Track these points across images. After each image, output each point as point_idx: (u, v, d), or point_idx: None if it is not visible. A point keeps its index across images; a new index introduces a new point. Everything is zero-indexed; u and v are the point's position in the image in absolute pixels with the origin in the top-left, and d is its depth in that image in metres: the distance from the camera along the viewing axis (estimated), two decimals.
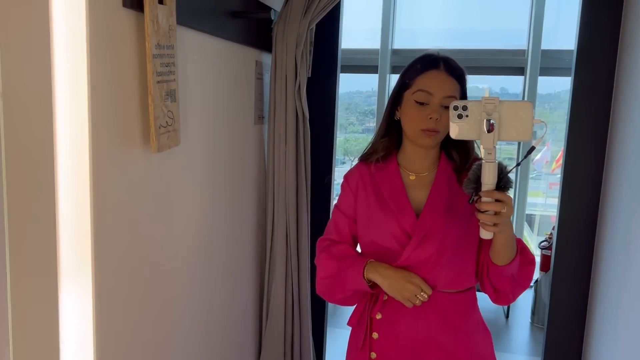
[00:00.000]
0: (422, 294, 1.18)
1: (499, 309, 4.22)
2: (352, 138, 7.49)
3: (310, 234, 2.04)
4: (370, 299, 1.31)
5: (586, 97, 1.98)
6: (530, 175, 5.99)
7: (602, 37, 1.93)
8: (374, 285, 1.24)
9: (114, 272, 1.15)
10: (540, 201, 10.28)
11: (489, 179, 1.09)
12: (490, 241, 1.19)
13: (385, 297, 1.28)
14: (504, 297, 1.31)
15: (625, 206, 1.72)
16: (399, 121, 1.30)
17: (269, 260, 2.02)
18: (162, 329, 1.38)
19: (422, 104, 1.23)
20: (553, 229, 3.98)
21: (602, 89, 1.96)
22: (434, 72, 1.24)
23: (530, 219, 8.28)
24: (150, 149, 1.24)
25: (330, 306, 2.56)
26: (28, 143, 0.79)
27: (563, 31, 5.05)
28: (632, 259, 1.61)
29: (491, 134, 1.08)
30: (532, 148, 1.18)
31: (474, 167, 1.14)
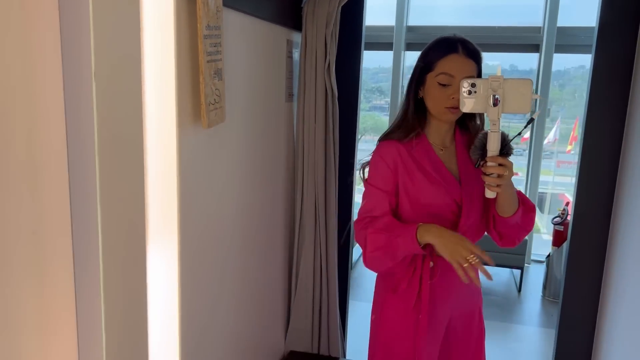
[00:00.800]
0: (472, 257, 1.25)
1: (511, 283, 4.33)
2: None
3: (337, 207, 2.13)
4: (418, 265, 1.40)
5: (606, 73, 2.03)
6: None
7: (624, 13, 1.97)
8: (424, 247, 1.33)
9: (192, 234, 1.33)
10: (549, 179, 10.32)
11: (493, 146, 1.28)
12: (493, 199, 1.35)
13: (432, 264, 1.39)
14: (510, 241, 1.47)
15: None
16: (421, 99, 1.41)
17: (299, 230, 2.11)
18: (223, 285, 1.49)
19: (444, 85, 1.35)
20: (566, 204, 4.06)
21: (622, 65, 2.01)
22: (454, 55, 1.34)
23: (541, 198, 8.29)
24: (201, 125, 1.32)
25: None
26: (119, 119, 0.87)
27: (579, 8, 5.04)
28: None
29: (496, 107, 1.26)
30: (532, 119, 1.36)
31: (480, 136, 1.33)
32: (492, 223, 1.44)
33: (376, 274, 1.56)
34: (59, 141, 0.84)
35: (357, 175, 1.54)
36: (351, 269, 2.49)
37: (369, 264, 1.41)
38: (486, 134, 1.30)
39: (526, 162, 5.11)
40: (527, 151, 5.12)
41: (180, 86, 1.23)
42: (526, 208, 1.40)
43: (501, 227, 1.41)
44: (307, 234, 2.10)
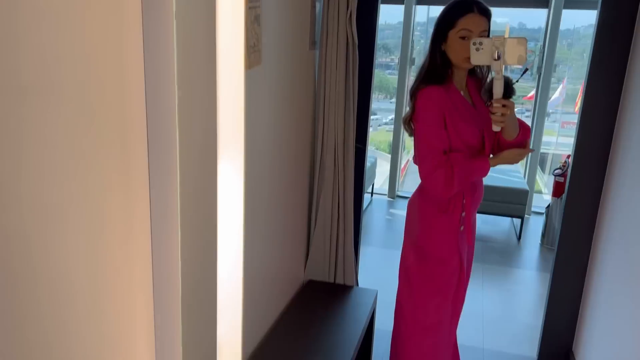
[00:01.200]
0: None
1: (511, 231, 4.55)
2: None
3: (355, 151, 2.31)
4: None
5: (609, 31, 2.16)
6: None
7: None
8: None
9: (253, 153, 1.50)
10: (553, 140, 10.42)
11: (497, 91, 1.62)
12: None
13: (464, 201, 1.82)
14: None
15: (638, 135, 1.95)
16: (443, 52, 1.74)
17: (319, 169, 2.30)
18: (259, 214, 1.68)
19: (464, 38, 1.68)
20: (568, 157, 4.22)
21: (624, 24, 2.14)
22: (470, 15, 1.68)
23: (543, 158, 8.44)
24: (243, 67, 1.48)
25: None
26: (196, 54, 1.04)
27: None
28: (638, 185, 1.87)
29: (499, 60, 1.59)
30: (526, 69, 1.81)
31: (488, 82, 1.76)
32: (497, 146, 1.84)
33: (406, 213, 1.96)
34: (137, 68, 1.01)
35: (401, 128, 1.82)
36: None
37: (447, 192, 1.73)
38: (492, 80, 1.65)
39: (530, 122, 5.25)
40: (532, 111, 5.24)
41: (224, 32, 1.39)
42: (524, 130, 1.79)
43: (505, 147, 1.80)
44: (327, 173, 2.29)
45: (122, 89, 0.98)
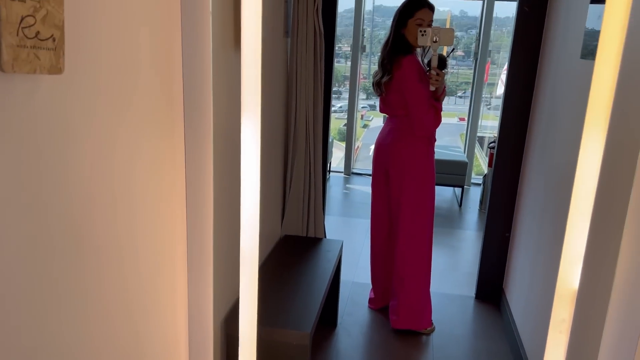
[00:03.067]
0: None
1: (453, 200, 5.13)
2: None
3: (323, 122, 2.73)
4: None
5: (524, 21, 2.67)
6: (487, 105, 6.68)
7: None
8: None
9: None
10: (490, 124, 11.24)
11: (434, 63, 2.43)
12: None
13: None
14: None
15: (549, 110, 2.47)
16: (402, 35, 2.52)
17: (293, 139, 2.71)
18: None
19: (419, 25, 2.44)
20: None
21: (538, 14, 2.65)
22: (423, 9, 2.50)
23: (480, 140, 9.18)
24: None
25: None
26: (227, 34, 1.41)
27: None
28: (547, 152, 2.38)
29: (436, 43, 2.39)
30: (454, 49, 2.86)
31: (429, 57, 2.52)
32: None
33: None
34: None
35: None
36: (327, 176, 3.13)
37: (438, 123, 2.60)
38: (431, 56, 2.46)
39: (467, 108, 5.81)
40: (469, 97, 5.81)
41: (221, 14, 1.76)
42: (443, 91, 2.58)
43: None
44: (299, 144, 2.70)
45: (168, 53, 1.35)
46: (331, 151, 5.88)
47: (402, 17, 2.52)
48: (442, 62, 2.47)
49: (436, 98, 2.54)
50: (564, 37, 2.24)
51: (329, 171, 5.92)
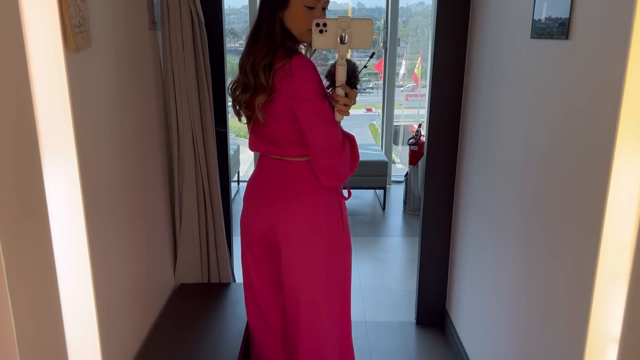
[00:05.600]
0: None
1: (376, 203, 4.72)
2: None
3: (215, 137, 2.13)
4: None
5: (448, 9, 2.24)
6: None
7: None
8: None
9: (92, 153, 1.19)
10: (399, 112, 11.17)
11: (340, 77, 1.41)
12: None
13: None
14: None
15: (484, 101, 2.06)
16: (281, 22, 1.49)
17: (178, 162, 2.09)
18: (107, 220, 1.43)
19: (311, 8, 1.46)
20: (419, 125, 4.46)
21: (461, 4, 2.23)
22: None
23: (395, 130, 8.97)
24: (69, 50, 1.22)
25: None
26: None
27: None
28: (487, 146, 1.98)
29: (344, 45, 1.37)
30: (373, 53, 1.66)
31: (332, 64, 1.45)
32: None
33: None
34: None
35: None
36: (232, 200, 2.53)
37: (354, 168, 1.61)
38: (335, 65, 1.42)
39: (381, 98, 5.45)
40: (382, 88, 5.45)
41: (40, 9, 1.13)
42: (351, 142, 1.60)
43: None
44: (187, 166, 2.08)
45: None
46: (238, 159, 5.25)
47: None
48: (353, 75, 1.49)
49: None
50: (503, 20, 1.82)
51: (238, 181, 5.29)
